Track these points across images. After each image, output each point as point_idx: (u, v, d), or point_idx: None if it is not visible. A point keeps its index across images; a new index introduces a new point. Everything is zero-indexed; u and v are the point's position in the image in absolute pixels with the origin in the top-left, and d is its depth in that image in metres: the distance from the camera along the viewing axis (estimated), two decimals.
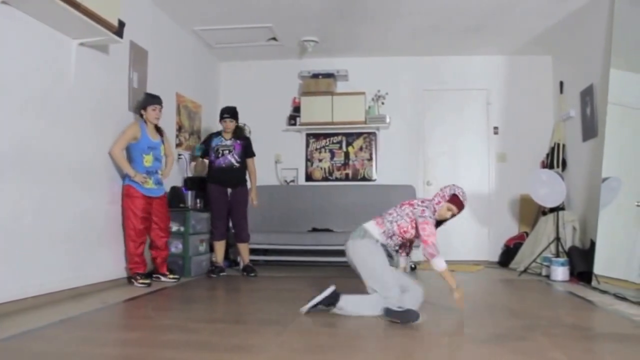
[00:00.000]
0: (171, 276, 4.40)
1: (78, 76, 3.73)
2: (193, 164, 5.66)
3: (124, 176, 4.22)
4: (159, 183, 4.36)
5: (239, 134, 5.09)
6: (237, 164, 4.96)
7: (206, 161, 5.12)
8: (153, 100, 4.32)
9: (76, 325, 2.77)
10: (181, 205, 4.89)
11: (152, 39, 4.87)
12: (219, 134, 5.05)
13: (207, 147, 5.03)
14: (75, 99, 3.73)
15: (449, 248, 6.13)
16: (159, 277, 4.37)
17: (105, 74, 4.10)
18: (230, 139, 4.98)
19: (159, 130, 4.41)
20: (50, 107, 3.48)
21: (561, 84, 5.91)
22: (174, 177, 5.03)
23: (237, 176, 4.99)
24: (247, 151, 5.06)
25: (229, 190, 4.96)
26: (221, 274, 4.97)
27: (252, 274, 4.96)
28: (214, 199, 4.95)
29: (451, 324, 2.88)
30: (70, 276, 3.62)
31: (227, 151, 4.94)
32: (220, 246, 5.02)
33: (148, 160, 4.24)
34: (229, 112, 4.96)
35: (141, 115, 4.32)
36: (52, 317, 2.88)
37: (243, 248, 5.07)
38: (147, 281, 4.11)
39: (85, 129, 3.86)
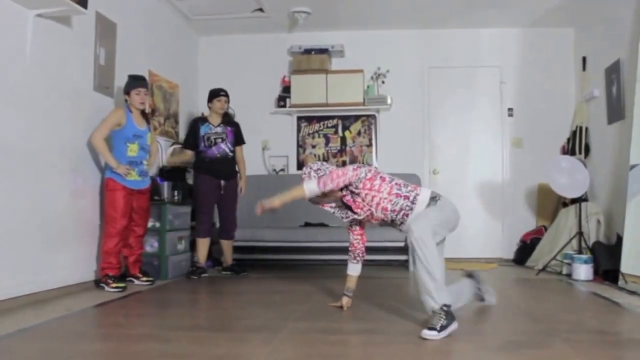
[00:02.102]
0: (144, 278, 4.37)
1: (35, 52, 3.66)
2: (170, 149, 5.60)
3: (105, 168, 4.22)
4: (143, 174, 4.35)
5: (228, 119, 5.15)
6: (231, 154, 5.05)
7: (189, 152, 5.13)
8: (136, 82, 4.31)
9: (36, 336, 2.75)
10: (156, 197, 4.84)
11: (122, 10, 4.79)
12: (204, 120, 5.06)
13: (194, 136, 5.02)
14: (31, 78, 3.66)
15: (458, 245, 6.13)
16: (132, 280, 4.34)
17: (67, 50, 4.04)
18: (219, 125, 5.01)
19: (145, 116, 4.41)
20: (2, 88, 3.40)
21: (584, 59, 5.89)
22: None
23: (230, 167, 5.09)
24: (238, 138, 5.14)
25: (222, 182, 5.00)
26: (202, 275, 4.95)
27: (244, 273, 5.03)
28: (205, 191, 4.97)
29: (462, 329, 2.86)
30: (28, 280, 3.56)
31: (219, 139, 4.99)
32: (203, 244, 5.01)
33: (133, 149, 4.24)
34: (226, 91, 5.03)
35: (125, 101, 4.33)
36: (9, 327, 2.85)
37: (228, 246, 5.12)
38: (122, 284, 4.07)
39: (43, 112, 3.78)
